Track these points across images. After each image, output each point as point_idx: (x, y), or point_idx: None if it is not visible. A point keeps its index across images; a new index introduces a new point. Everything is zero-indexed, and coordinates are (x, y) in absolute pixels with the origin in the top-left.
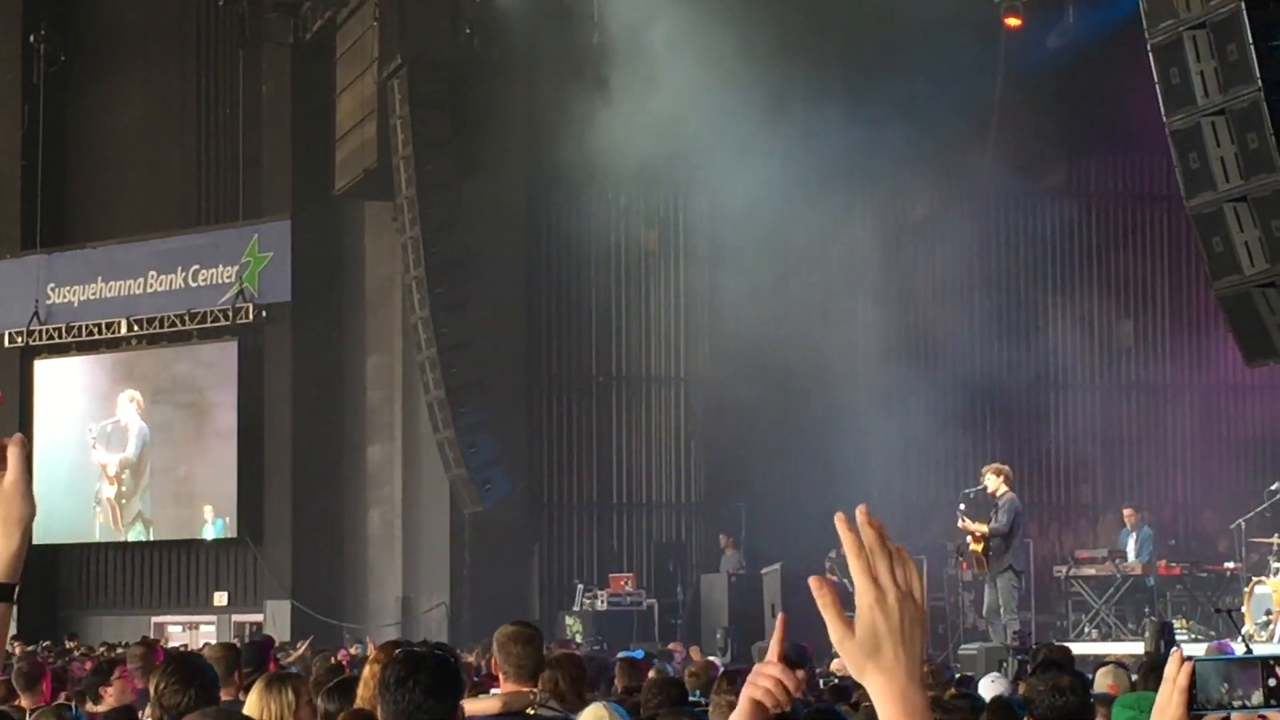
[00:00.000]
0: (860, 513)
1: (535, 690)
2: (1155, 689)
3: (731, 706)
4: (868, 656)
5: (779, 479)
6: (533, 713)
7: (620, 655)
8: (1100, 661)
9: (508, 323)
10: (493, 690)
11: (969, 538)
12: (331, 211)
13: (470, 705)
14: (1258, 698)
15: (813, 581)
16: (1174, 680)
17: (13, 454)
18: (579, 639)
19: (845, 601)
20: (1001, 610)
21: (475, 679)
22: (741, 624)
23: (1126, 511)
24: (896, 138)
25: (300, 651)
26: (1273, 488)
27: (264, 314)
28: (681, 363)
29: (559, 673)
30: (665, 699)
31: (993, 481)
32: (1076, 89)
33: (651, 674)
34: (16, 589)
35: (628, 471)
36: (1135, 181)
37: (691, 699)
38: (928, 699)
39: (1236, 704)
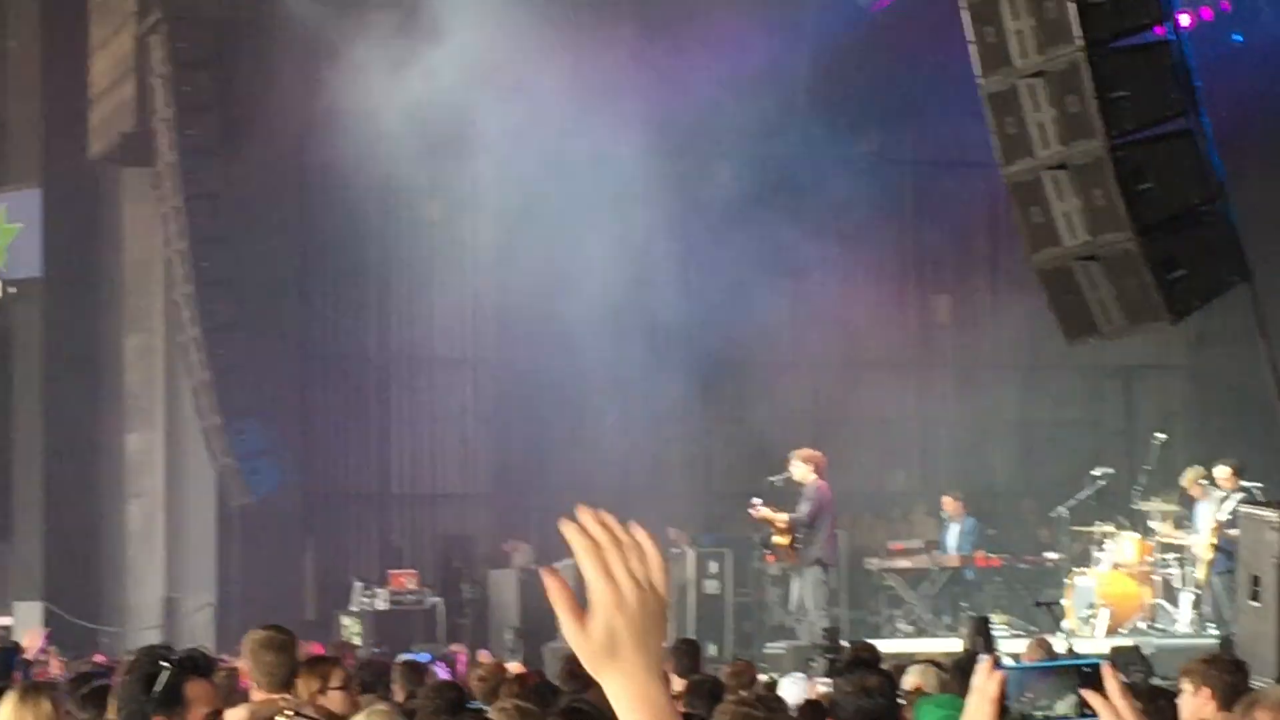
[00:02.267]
0: (582, 512)
1: (287, 697)
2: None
3: (517, 712)
4: (606, 657)
5: (573, 467)
6: None
7: (401, 658)
8: (913, 660)
9: (279, 300)
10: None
11: (771, 529)
12: (86, 179)
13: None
14: (1063, 707)
15: (544, 572)
16: (982, 690)
17: None
18: (357, 640)
19: None
20: (810, 607)
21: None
22: (532, 624)
23: (946, 500)
24: (702, 100)
25: (34, 646)
26: (1095, 472)
27: (13, 291)
28: (469, 343)
29: (318, 675)
30: (443, 704)
31: (799, 469)
32: (890, 51)
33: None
34: None
35: (410, 460)
36: (953, 148)
37: (471, 706)
38: (669, 694)
39: (1040, 714)
